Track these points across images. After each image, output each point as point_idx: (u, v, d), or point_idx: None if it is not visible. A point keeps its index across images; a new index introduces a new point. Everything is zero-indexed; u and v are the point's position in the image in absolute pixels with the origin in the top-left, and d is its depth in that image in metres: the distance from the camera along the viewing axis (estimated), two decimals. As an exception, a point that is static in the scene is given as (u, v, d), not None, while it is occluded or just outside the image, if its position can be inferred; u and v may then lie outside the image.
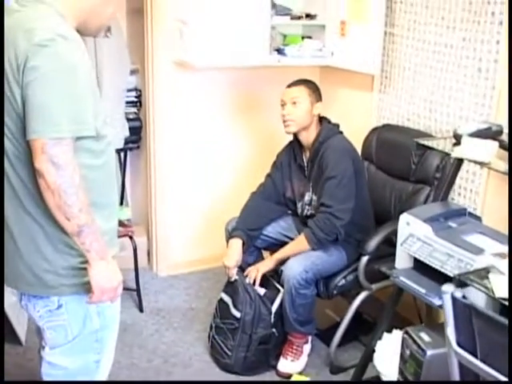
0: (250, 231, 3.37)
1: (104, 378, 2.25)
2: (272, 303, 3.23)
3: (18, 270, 2.01)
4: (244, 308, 3.17)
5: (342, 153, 3.18)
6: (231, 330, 3.22)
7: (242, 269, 3.32)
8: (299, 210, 3.39)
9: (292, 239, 3.31)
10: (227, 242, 3.42)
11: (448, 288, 2.01)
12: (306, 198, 3.32)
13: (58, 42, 1.78)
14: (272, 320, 3.21)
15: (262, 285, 3.28)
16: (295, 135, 3.35)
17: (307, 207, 3.32)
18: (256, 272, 3.27)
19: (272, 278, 3.31)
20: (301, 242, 3.19)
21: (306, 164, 3.32)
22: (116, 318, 2.22)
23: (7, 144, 1.88)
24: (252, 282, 3.26)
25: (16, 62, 1.78)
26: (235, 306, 3.21)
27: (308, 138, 3.28)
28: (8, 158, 1.90)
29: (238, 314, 3.19)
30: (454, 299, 1.98)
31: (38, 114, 1.77)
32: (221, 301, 3.34)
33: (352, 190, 3.15)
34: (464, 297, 1.98)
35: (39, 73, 1.76)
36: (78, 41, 1.90)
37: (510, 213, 2.66)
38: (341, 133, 3.31)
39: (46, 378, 2.17)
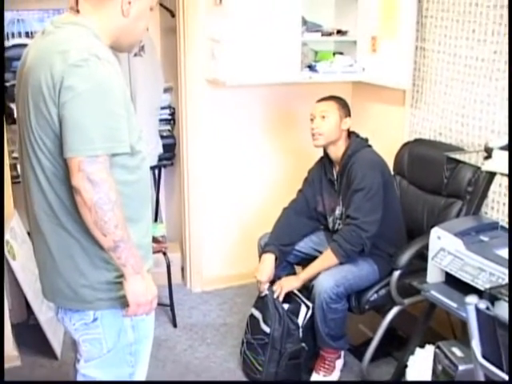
0: (283, 246, 3.38)
1: None
2: (297, 317, 3.23)
3: (57, 285, 2.05)
4: (273, 324, 3.17)
5: (369, 165, 3.19)
6: (261, 346, 3.23)
7: (273, 284, 3.32)
8: (330, 225, 3.39)
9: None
10: (260, 257, 3.43)
11: (472, 299, 2.00)
12: (337, 212, 3.33)
13: (91, 61, 1.83)
14: (301, 335, 3.21)
15: (284, 300, 3.27)
16: (325, 150, 3.36)
17: (338, 221, 3.32)
18: (280, 289, 3.26)
19: (301, 293, 3.30)
20: (328, 257, 3.19)
21: (335, 178, 3.33)
22: (150, 332, 2.24)
23: (45, 161, 1.91)
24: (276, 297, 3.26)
25: (52, 82, 1.83)
26: (265, 322, 3.22)
27: (337, 152, 3.29)
28: (45, 175, 1.93)
29: (267, 330, 3.19)
30: (478, 311, 1.97)
31: (74, 133, 1.81)
32: (251, 316, 3.34)
33: (379, 202, 3.15)
34: (488, 308, 1.96)
35: (75, 92, 1.80)
36: (112, 60, 1.95)
37: (509, 213, 2.65)
38: (369, 146, 3.32)
39: None
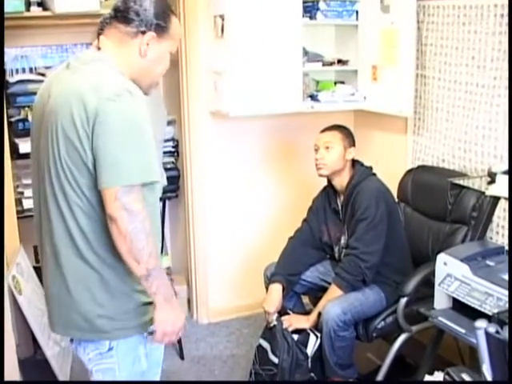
0: (290, 276, 3.38)
1: None
2: (305, 347, 3.20)
3: (71, 318, 2.05)
4: (282, 354, 3.16)
5: (374, 195, 3.19)
6: (270, 376, 3.20)
7: (280, 314, 3.31)
8: (336, 254, 3.39)
9: (330, 283, 3.31)
10: (266, 287, 3.42)
11: (481, 324, 1.99)
12: (342, 241, 3.33)
13: (125, 96, 1.91)
14: (309, 365, 3.19)
15: (293, 331, 3.25)
16: (329, 180, 3.38)
17: (344, 250, 3.32)
18: (288, 325, 3.24)
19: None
20: (333, 292, 3.19)
21: (340, 208, 3.34)
22: (160, 360, 2.25)
23: (71, 193, 1.95)
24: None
25: (86, 116, 1.88)
26: (273, 352, 3.20)
27: (341, 182, 3.30)
28: (69, 207, 1.96)
29: (276, 360, 3.17)
30: (487, 335, 1.96)
31: (110, 166, 1.88)
32: (260, 347, 3.32)
33: (381, 232, 3.15)
34: (498, 332, 1.96)
35: (109, 127, 1.87)
36: (141, 94, 2.02)
37: (510, 220, 2.65)
38: (374, 175, 3.33)
39: None
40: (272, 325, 3.26)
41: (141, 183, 1.92)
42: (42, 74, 4.01)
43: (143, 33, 2.05)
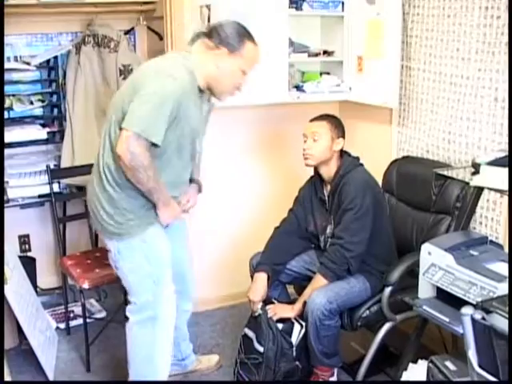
0: (275, 265, 3.39)
1: None
2: (290, 336, 3.23)
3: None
4: (267, 343, 3.18)
5: (361, 185, 3.21)
6: (255, 365, 3.23)
7: (265, 303, 3.33)
8: (322, 244, 3.41)
9: (315, 272, 3.33)
10: (252, 277, 3.44)
11: (467, 310, 2.02)
12: (328, 230, 3.34)
13: (165, 78, 2.68)
14: (294, 354, 3.21)
15: (278, 320, 3.28)
16: (316, 170, 3.39)
17: (329, 240, 3.34)
18: (273, 314, 3.27)
19: None
20: (318, 281, 3.21)
21: (326, 198, 3.35)
22: (164, 262, 3.00)
23: (114, 135, 2.76)
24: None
25: (141, 81, 2.72)
26: (259, 341, 3.22)
27: (329, 172, 3.31)
28: (110, 141, 2.78)
29: (261, 349, 3.20)
30: (473, 321, 1.99)
31: (129, 113, 2.64)
32: (245, 336, 3.35)
33: (367, 222, 3.17)
34: (483, 318, 1.98)
35: (144, 90, 2.66)
36: (184, 83, 2.72)
37: (509, 218, 2.68)
38: (361, 165, 3.34)
39: None
40: (257, 314, 3.28)
41: (141, 135, 2.60)
42: (27, 63, 3.99)
43: (219, 48, 2.78)
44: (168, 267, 3.00)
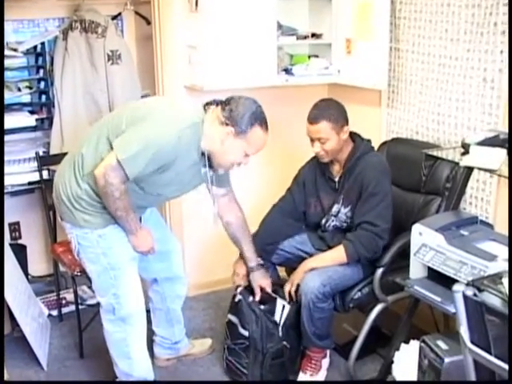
0: (267, 246, 3.40)
1: None
2: (272, 315, 3.24)
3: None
4: (250, 326, 3.20)
5: (383, 171, 3.18)
6: (243, 349, 3.24)
7: (249, 289, 3.34)
8: (323, 221, 3.36)
9: (307, 253, 3.34)
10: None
11: (459, 287, 2.03)
12: (334, 209, 3.29)
13: (174, 131, 2.70)
14: (280, 333, 3.21)
15: (260, 302, 3.28)
16: None
17: (333, 218, 3.30)
18: (290, 286, 3.22)
19: (278, 292, 3.31)
20: (337, 251, 3.16)
21: (337, 178, 3.28)
22: (125, 256, 2.97)
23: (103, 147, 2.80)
24: (287, 296, 3.24)
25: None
26: (243, 326, 3.23)
27: (342, 155, 3.23)
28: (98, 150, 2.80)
29: (246, 333, 3.21)
30: (465, 298, 2.00)
31: (121, 137, 2.72)
32: (229, 322, 3.35)
33: (392, 209, 3.16)
34: (475, 295, 2.00)
35: (150, 131, 2.71)
36: (184, 147, 2.74)
37: (509, 213, 2.69)
38: (373, 148, 3.31)
39: None
40: (237, 299, 3.29)
41: (121, 165, 2.64)
42: (14, 49, 3.96)
43: (227, 125, 2.74)
44: (129, 266, 2.99)
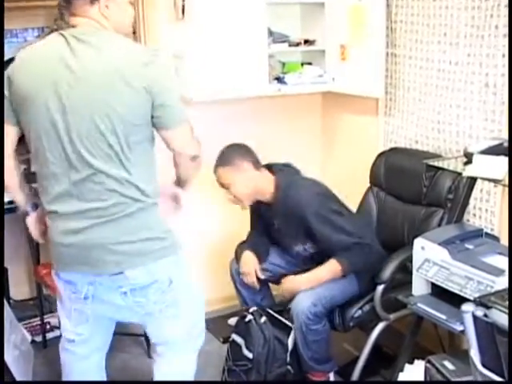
0: (259, 247, 3.37)
1: None
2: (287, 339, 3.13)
3: None
4: (256, 348, 3.09)
5: (317, 195, 3.10)
6: (245, 372, 3.13)
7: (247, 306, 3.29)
8: (296, 257, 3.31)
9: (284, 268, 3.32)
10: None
11: (468, 307, 1.97)
12: (296, 249, 3.24)
13: None
14: (288, 358, 3.11)
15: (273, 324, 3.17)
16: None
17: (303, 253, 3.24)
18: (286, 292, 3.17)
19: (281, 315, 3.20)
20: (332, 268, 3.05)
21: (275, 221, 3.24)
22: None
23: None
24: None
25: None
26: (247, 347, 3.13)
27: (264, 195, 3.18)
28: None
29: (250, 355, 3.10)
30: (475, 318, 1.94)
31: None
32: (233, 342, 3.24)
33: (352, 217, 3.16)
34: (485, 315, 1.93)
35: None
36: None
37: (510, 217, 2.68)
38: (297, 172, 3.26)
39: None
40: (248, 319, 3.16)
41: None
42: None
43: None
44: None
